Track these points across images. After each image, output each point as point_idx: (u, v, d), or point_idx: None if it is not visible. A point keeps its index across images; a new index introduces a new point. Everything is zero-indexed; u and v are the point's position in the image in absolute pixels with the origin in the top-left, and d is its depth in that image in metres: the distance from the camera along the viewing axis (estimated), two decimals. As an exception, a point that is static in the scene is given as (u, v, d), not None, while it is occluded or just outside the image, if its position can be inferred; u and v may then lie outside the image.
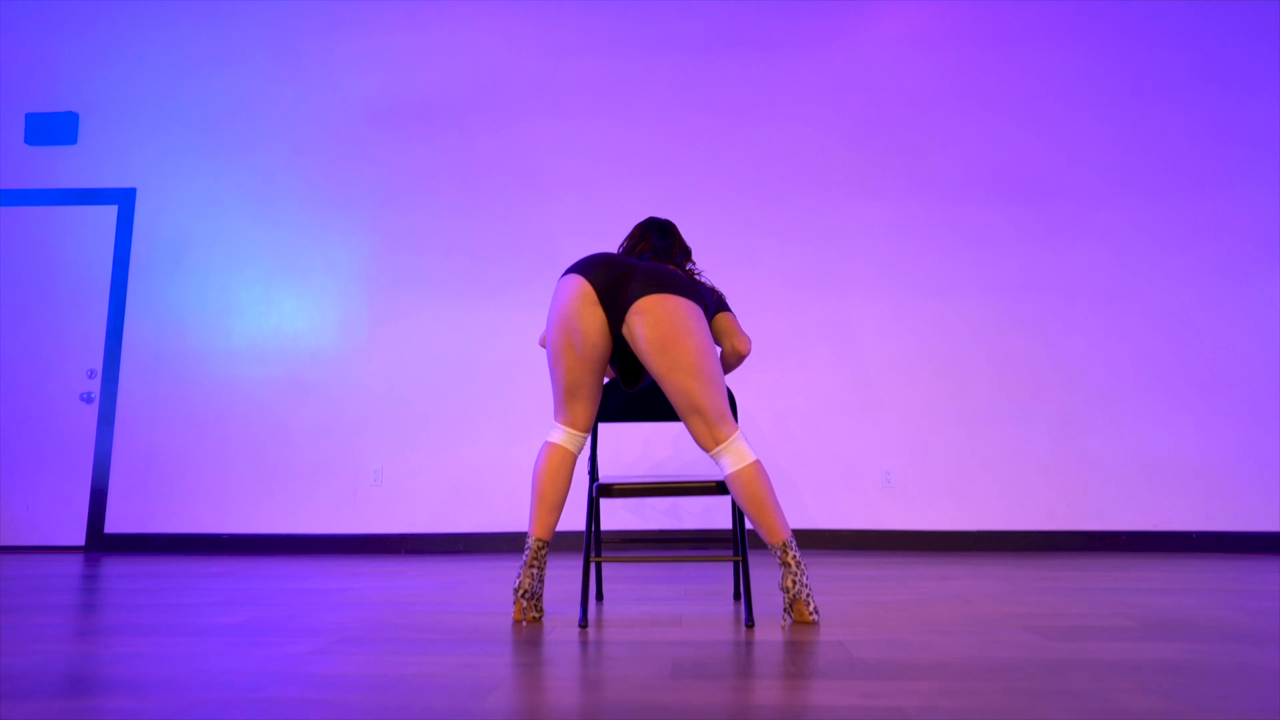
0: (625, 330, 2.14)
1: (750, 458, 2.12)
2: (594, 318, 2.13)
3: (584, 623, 2.09)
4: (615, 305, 2.13)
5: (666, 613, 2.33)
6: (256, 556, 4.25)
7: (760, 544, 4.40)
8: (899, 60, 4.81)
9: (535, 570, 2.17)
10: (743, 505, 2.12)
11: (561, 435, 2.23)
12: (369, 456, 4.61)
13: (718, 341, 2.39)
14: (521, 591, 2.15)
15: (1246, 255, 4.51)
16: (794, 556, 2.10)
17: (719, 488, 2.23)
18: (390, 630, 2.07)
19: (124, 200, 4.84)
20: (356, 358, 4.70)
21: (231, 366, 4.72)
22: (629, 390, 2.41)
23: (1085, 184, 4.64)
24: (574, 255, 4.68)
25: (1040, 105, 4.73)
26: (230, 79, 4.96)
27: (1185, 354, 4.46)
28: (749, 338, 2.53)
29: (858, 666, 1.62)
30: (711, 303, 2.34)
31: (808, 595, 2.10)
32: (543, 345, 2.38)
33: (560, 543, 4.44)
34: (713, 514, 4.45)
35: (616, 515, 4.42)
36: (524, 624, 2.13)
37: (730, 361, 2.42)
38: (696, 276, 2.44)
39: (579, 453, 2.26)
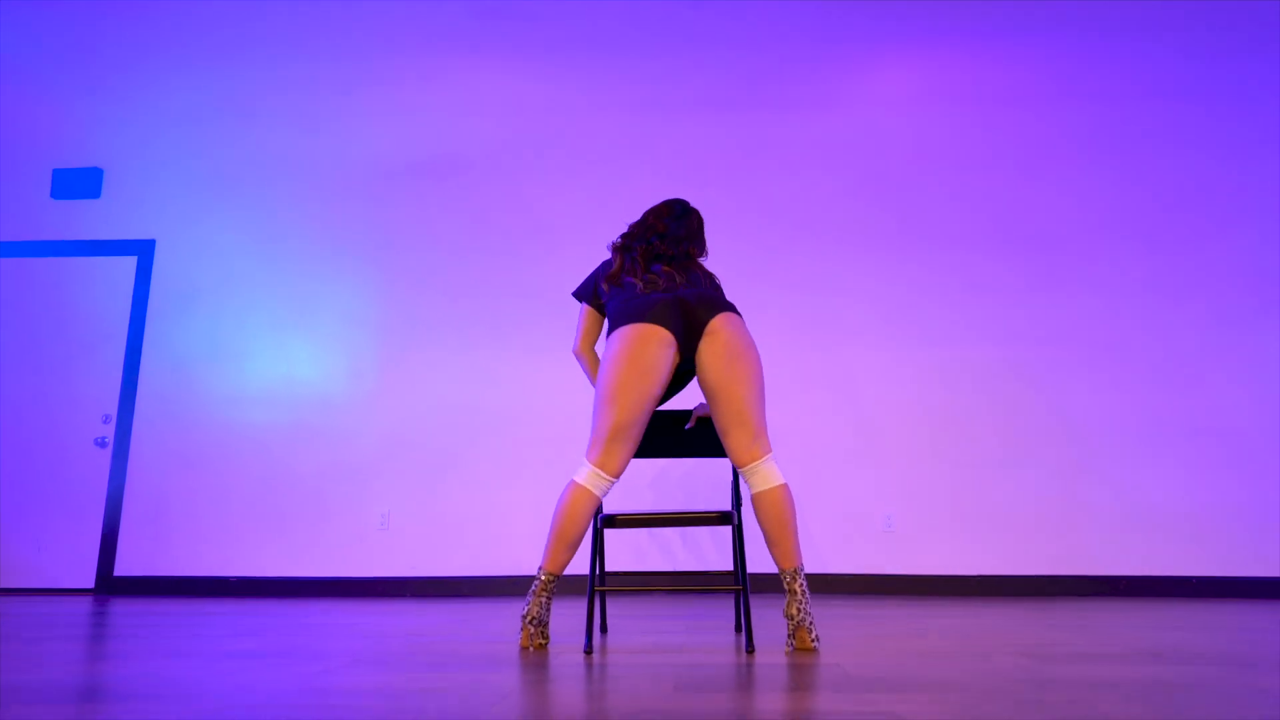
0: (697, 355, 2.27)
1: (780, 479, 2.21)
2: (668, 360, 2.25)
3: (589, 648, 2.15)
4: (690, 339, 2.26)
5: (669, 642, 2.38)
6: (263, 599, 4.28)
7: (761, 586, 4.43)
8: (896, 117, 5.01)
9: (544, 598, 2.22)
10: (765, 525, 2.19)
11: (590, 477, 2.22)
12: (376, 501, 4.67)
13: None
14: (530, 618, 2.20)
15: (1241, 305, 4.62)
16: (801, 585, 2.16)
17: (721, 518, 2.30)
18: (399, 654, 2.13)
19: (143, 251, 5.00)
20: (364, 403, 4.80)
21: (242, 412, 4.81)
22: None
23: (1082, 235, 4.78)
24: (578, 305, 4.79)
25: (1037, 159, 4.90)
26: (246, 134, 5.16)
27: (1180, 403, 4.54)
28: None
29: (854, 682, 1.68)
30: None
31: (810, 623, 2.16)
32: (586, 368, 2.50)
33: (564, 587, 4.47)
34: (711, 555, 4.48)
35: (620, 556, 4.46)
36: (530, 649, 2.19)
37: None
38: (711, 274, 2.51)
39: (602, 498, 2.27)
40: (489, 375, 4.79)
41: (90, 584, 4.62)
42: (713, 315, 2.26)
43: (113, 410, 4.82)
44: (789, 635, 2.16)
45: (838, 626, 2.77)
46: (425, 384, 4.81)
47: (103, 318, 4.95)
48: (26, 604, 3.89)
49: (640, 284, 2.34)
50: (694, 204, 4.97)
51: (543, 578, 2.22)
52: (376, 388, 4.82)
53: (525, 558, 4.52)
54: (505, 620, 3.06)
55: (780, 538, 2.17)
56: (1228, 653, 2.08)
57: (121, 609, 3.69)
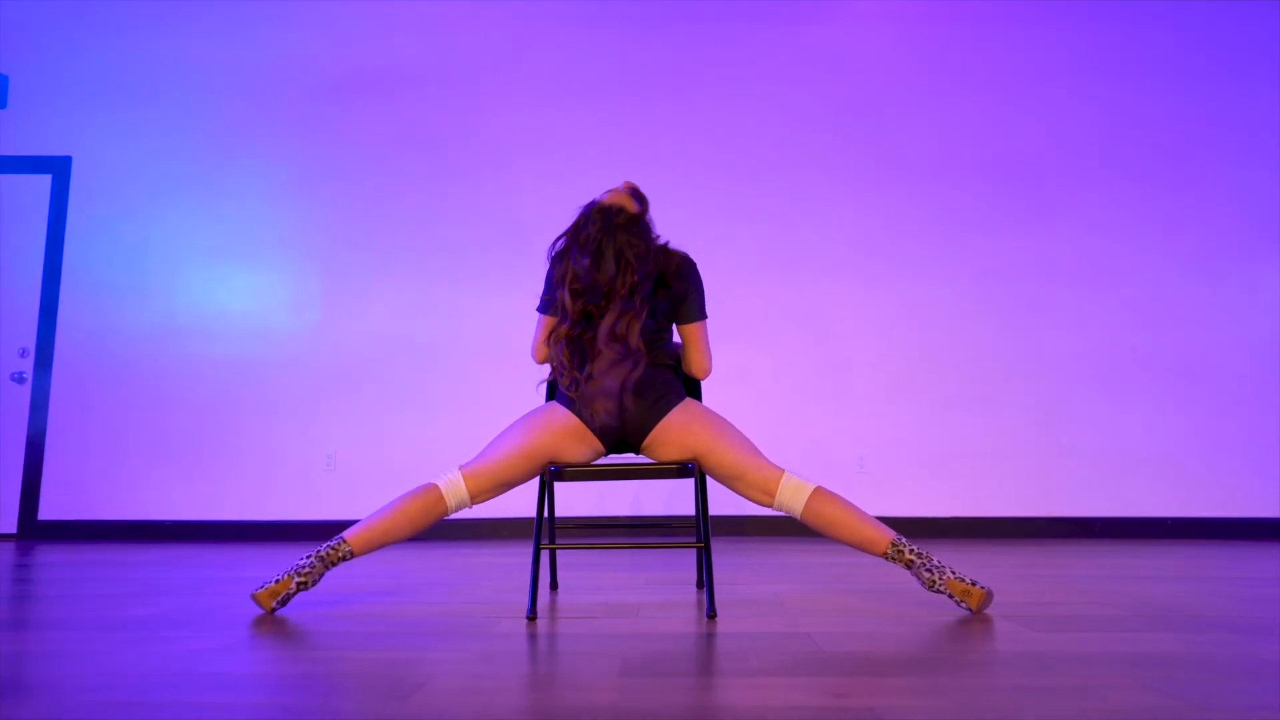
0: (645, 448, 2.08)
1: (809, 488, 1.98)
2: (587, 449, 2.06)
3: (532, 614, 1.92)
4: (623, 438, 2.07)
5: (624, 601, 2.17)
6: (200, 544, 4.03)
7: (725, 530, 4.26)
8: (873, 38, 4.66)
9: (321, 572, 1.96)
10: (833, 536, 1.99)
11: (450, 486, 2.03)
12: (322, 440, 4.40)
13: (680, 342, 2.22)
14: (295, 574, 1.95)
15: (1231, 243, 4.43)
16: (911, 552, 1.91)
17: (679, 471, 2.06)
18: (304, 627, 1.89)
19: (59, 169, 4.57)
20: (307, 337, 4.48)
21: (175, 345, 4.47)
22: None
23: (1063, 167, 4.53)
24: (539, 237, 4.45)
25: (1018, 86, 4.60)
26: (174, 43, 4.69)
27: (1163, 341, 4.37)
28: (712, 360, 2.25)
29: (827, 662, 1.46)
30: (699, 304, 2.17)
31: (956, 575, 1.90)
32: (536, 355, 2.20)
33: (516, 530, 4.26)
34: (676, 501, 4.29)
35: (577, 502, 4.25)
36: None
37: (685, 369, 2.24)
38: (661, 243, 2.23)
39: (449, 515, 2.06)
40: (439, 307, 4.49)
41: (13, 529, 4.33)
42: (659, 418, 2.02)
43: (30, 344, 4.46)
44: (958, 603, 1.91)
45: (808, 579, 2.58)
46: (372, 316, 4.49)
47: (14, 242, 4.55)
48: (-65, 552, 3.60)
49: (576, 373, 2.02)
50: (660, 131, 4.61)
51: (337, 547, 1.96)
52: (320, 320, 4.50)
53: (480, 500, 4.29)
54: (449, 572, 2.84)
55: (854, 536, 1.95)
56: (1225, 613, 1.91)
57: (41, 558, 3.42)
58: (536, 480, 2.15)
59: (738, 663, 1.46)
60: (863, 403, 4.38)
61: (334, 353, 4.47)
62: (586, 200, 2.22)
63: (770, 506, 2.02)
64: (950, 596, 1.90)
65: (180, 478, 4.37)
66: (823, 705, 1.19)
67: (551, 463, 2.05)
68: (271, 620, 1.92)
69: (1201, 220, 4.45)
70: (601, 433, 2.04)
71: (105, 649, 1.61)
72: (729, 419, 2.15)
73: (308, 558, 1.96)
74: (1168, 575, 2.67)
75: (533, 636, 1.73)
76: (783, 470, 2.00)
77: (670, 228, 4.42)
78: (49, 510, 4.33)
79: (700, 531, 2.13)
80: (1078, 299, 4.42)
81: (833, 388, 4.39)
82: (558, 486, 4.12)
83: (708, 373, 2.24)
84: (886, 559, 1.93)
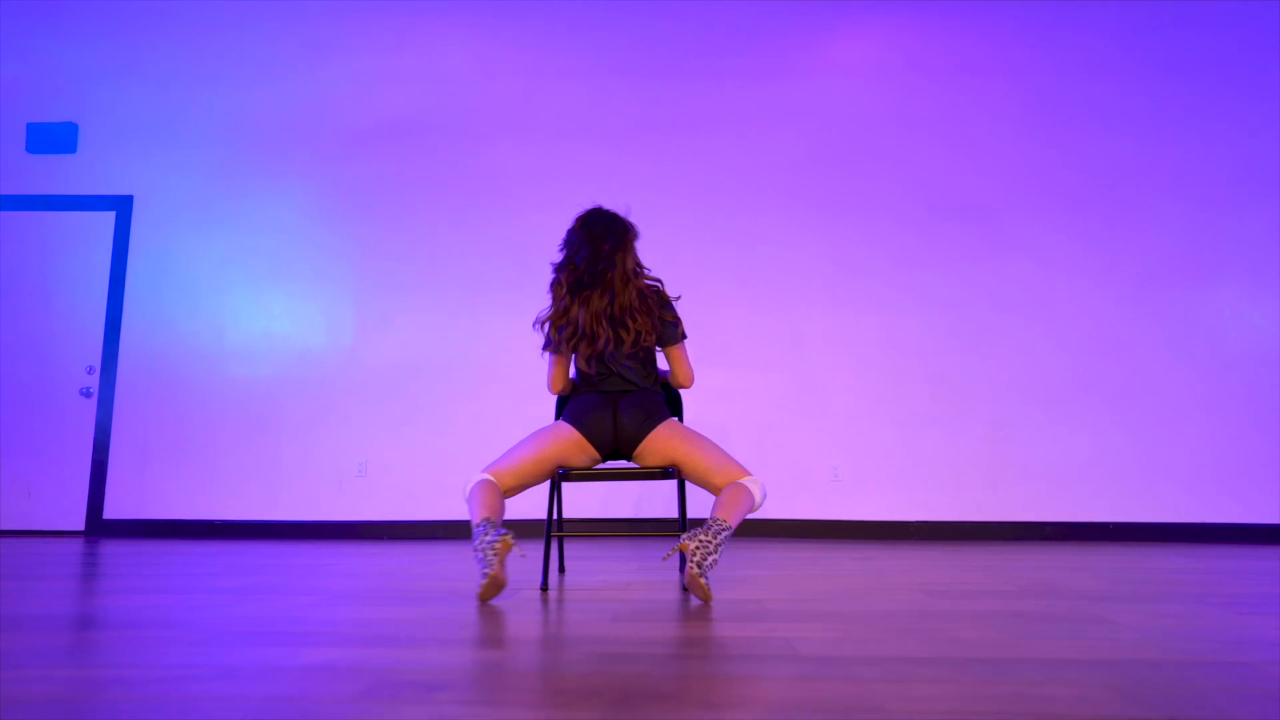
0: (635, 454, 2.57)
1: (748, 483, 2.39)
2: (587, 457, 2.56)
3: (545, 586, 2.43)
4: (616, 447, 2.56)
5: (619, 580, 2.68)
6: (247, 540, 4.55)
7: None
8: (843, 90, 5.19)
9: (492, 546, 2.17)
10: (724, 494, 2.37)
11: (488, 478, 2.44)
12: (354, 450, 4.93)
13: (665, 362, 2.75)
14: (495, 542, 2.17)
15: (1162, 275, 4.93)
16: (717, 535, 2.18)
17: (664, 474, 2.57)
18: (374, 591, 2.40)
19: (122, 206, 5.13)
20: (342, 358, 5.02)
21: (223, 366, 5.01)
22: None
23: (1012, 208, 5.04)
24: (543, 265, 4.97)
25: (972, 134, 5.12)
26: (222, 94, 5.26)
27: (1100, 366, 4.87)
28: (693, 373, 2.77)
29: (767, 614, 1.97)
30: (674, 332, 2.64)
31: (706, 562, 2.15)
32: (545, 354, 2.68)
33: (527, 530, 4.78)
34: (674, 505, 4.80)
35: (584, 504, 4.76)
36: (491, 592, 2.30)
37: (671, 385, 2.78)
38: (650, 281, 2.72)
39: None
40: (457, 332, 5.02)
41: (80, 526, 4.86)
42: (647, 431, 2.51)
43: (96, 362, 5.00)
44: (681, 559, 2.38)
45: (772, 568, 3.09)
46: (400, 340, 5.03)
47: (83, 273, 5.10)
48: (19, 544, 4.13)
49: (582, 361, 2.58)
50: (654, 169, 5.18)
51: (483, 524, 2.24)
52: (353, 343, 5.03)
53: (495, 504, 4.80)
54: (471, 562, 3.35)
55: (731, 503, 2.32)
56: (1091, 589, 2.41)
57: (112, 549, 3.95)
58: (547, 483, 2.66)
59: (699, 615, 1.98)
60: (837, 420, 4.89)
61: (364, 372, 5.00)
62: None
63: None
64: (681, 568, 2.41)
65: (229, 482, 4.90)
66: (751, 635, 1.70)
67: (559, 467, 2.56)
68: (333, 593, 2.44)
69: (1135, 254, 4.95)
70: (599, 445, 2.55)
71: (218, 604, 2.13)
72: (711, 433, 2.68)
73: (481, 561, 2.17)
74: (1072, 566, 3.17)
75: (545, 601, 2.24)
76: (747, 474, 2.45)
77: (663, 251, 4.95)
78: (113, 510, 4.86)
79: (681, 521, 2.64)
80: (1028, 326, 4.93)
81: (809, 406, 4.90)
82: (565, 488, 4.64)
83: (692, 382, 2.75)
84: (708, 522, 2.24)
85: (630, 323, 2.51)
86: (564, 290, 2.60)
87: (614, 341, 2.51)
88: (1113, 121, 5.08)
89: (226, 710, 1.16)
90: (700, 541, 2.17)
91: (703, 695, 1.26)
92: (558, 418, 2.82)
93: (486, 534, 2.19)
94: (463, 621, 1.89)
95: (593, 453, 2.55)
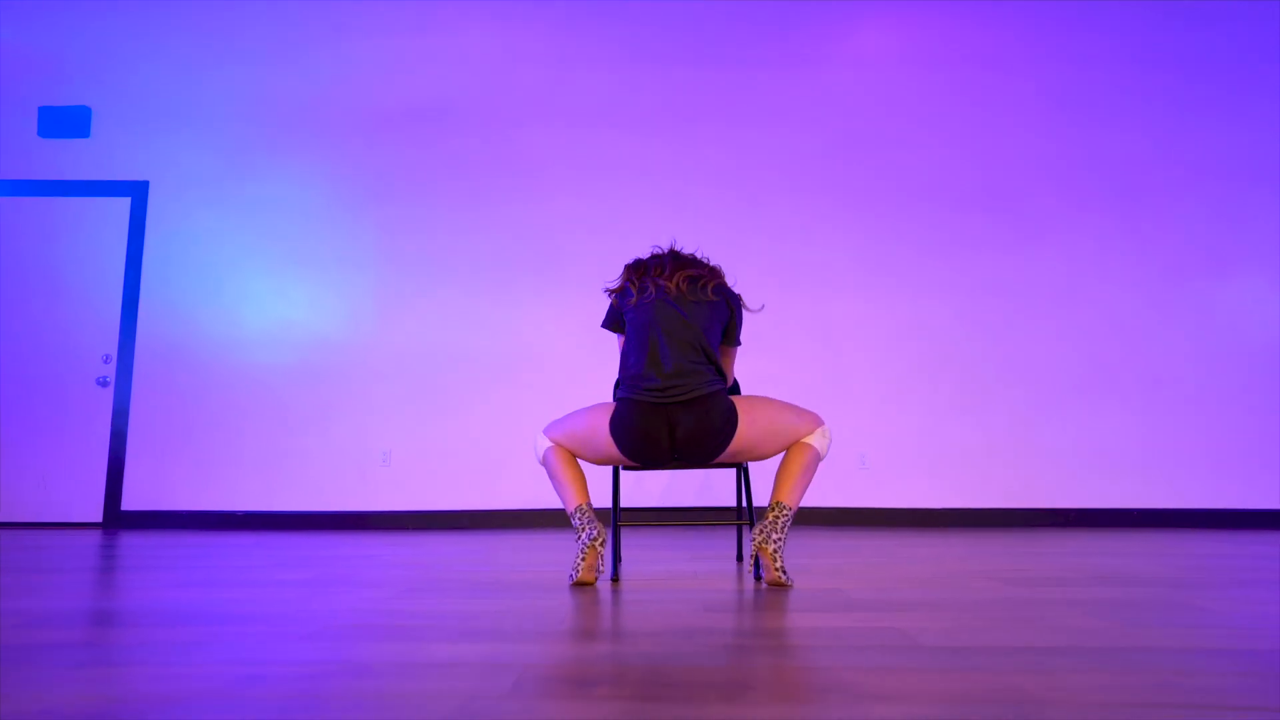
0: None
1: (813, 441, 2.26)
2: (660, 453, 2.29)
3: (615, 577, 2.41)
4: (691, 456, 2.30)
5: (681, 570, 2.66)
6: (271, 531, 4.50)
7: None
8: (873, 80, 5.17)
9: (590, 529, 2.25)
10: (785, 463, 2.26)
11: (551, 443, 2.40)
12: (377, 439, 4.87)
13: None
14: (593, 541, 2.23)
15: (1186, 264, 4.96)
16: (780, 518, 2.17)
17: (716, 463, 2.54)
18: (448, 581, 2.37)
19: (137, 192, 5.03)
20: (364, 345, 4.95)
21: (243, 354, 4.94)
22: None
23: (1039, 198, 5.06)
24: (572, 252, 4.96)
25: (999, 125, 5.12)
26: (240, 76, 5.16)
27: (1129, 353, 4.90)
28: (733, 378, 2.70)
29: (856, 604, 1.96)
30: (738, 329, 2.51)
31: (780, 558, 2.18)
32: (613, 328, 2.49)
33: (556, 520, 4.75)
34: (716, 493, 4.78)
35: (647, 493, 4.74)
36: (587, 579, 2.27)
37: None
38: (728, 285, 2.53)
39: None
40: (485, 318, 4.97)
41: (99, 518, 4.79)
42: (723, 445, 2.24)
43: (113, 350, 4.91)
44: (753, 562, 2.26)
45: (825, 554, 3.08)
46: (423, 326, 4.97)
47: (98, 259, 5.00)
48: (38, 536, 4.06)
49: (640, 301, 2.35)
50: (684, 156, 5.15)
51: (577, 513, 2.29)
52: (375, 330, 4.97)
53: (521, 492, 4.78)
54: (519, 551, 3.32)
55: (793, 476, 2.23)
56: (1164, 577, 2.42)
57: (134, 541, 3.88)
58: (609, 471, 2.63)
59: (791, 605, 1.96)
60: (864, 406, 4.89)
61: (387, 360, 4.95)
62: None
63: None
64: (756, 562, 2.24)
65: (249, 472, 4.84)
66: (862, 626, 1.69)
67: (616, 457, 2.35)
68: (410, 583, 2.40)
69: (1161, 243, 4.98)
70: (655, 432, 2.26)
71: (283, 598, 2.09)
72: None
73: (581, 552, 2.24)
74: (1120, 551, 3.19)
75: (623, 592, 2.22)
76: (809, 426, 2.27)
77: (694, 240, 4.93)
78: (130, 501, 4.79)
79: (740, 511, 2.62)
80: (1055, 314, 4.95)
81: (837, 392, 4.90)
82: (627, 474, 4.60)
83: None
84: (773, 510, 2.20)
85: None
86: None
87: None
88: (1138, 113, 5.09)
89: (394, 709, 1.13)
90: (774, 541, 2.17)
91: (862, 687, 1.24)
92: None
93: (583, 529, 2.26)
94: (559, 614, 1.87)
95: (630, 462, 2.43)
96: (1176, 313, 4.92)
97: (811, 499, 4.79)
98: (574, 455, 2.40)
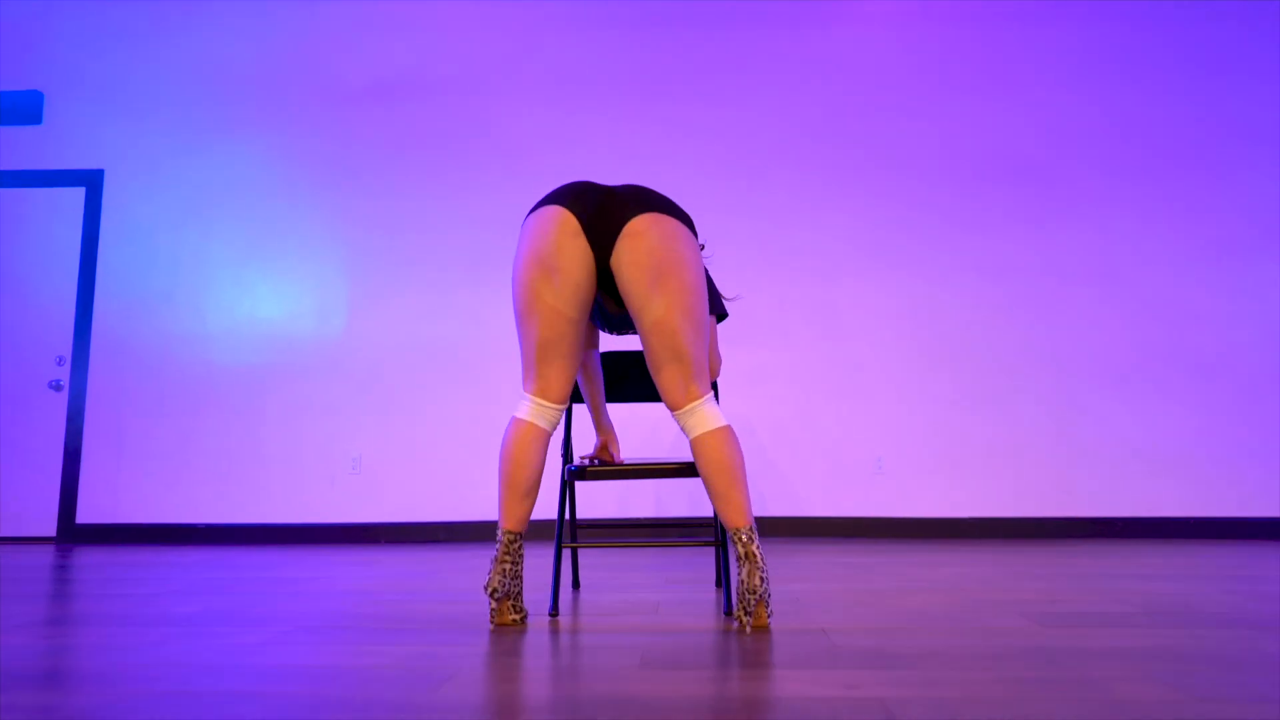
0: (613, 260, 1.85)
1: (721, 421, 1.86)
2: (578, 250, 1.83)
3: (554, 610, 1.98)
4: (603, 233, 1.84)
5: (644, 600, 2.23)
6: (231, 546, 4.13)
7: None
8: (882, 40, 4.69)
9: (508, 565, 1.85)
10: (708, 476, 1.83)
11: (531, 409, 1.90)
12: (347, 444, 4.49)
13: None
14: (491, 590, 1.85)
15: (1243, 238, 4.41)
16: (758, 546, 1.78)
17: (688, 468, 2.11)
18: (349, 618, 1.96)
19: (92, 182, 4.70)
20: (334, 343, 4.58)
21: (204, 352, 4.59)
22: (611, 333, 2.25)
23: (1072, 167, 4.54)
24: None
25: (1025, 88, 4.61)
26: (199, 59, 4.81)
27: (1180, 339, 4.36)
28: (720, 360, 2.31)
29: (840, 656, 1.51)
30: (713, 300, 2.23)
31: (768, 595, 1.90)
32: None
33: (540, 531, 4.33)
34: (699, 502, 4.34)
35: (598, 502, 4.31)
36: (501, 627, 1.88)
37: None
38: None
39: (552, 430, 1.95)
40: (463, 314, 4.57)
41: (52, 532, 4.46)
42: (637, 213, 1.84)
43: (67, 352, 4.58)
44: (742, 609, 1.77)
45: (826, 578, 2.63)
46: (398, 322, 4.58)
47: (50, 255, 4.68)
48: (-21, 555, 3.72)
49: None
50: (673, 132, 4.70)
51: (503, 539, 1.87)
52: (346, 326, 4.59)
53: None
54: (474, 573, 2.91)
55: (728, 490, 1.81)
56: (1245, 612, 1.94)
57: (80, 560, 3.53)
58: (557, 483, 2.20)
59: (755, 657, 1.52)
60: (879, 403, 4.41)
61: (359, 357, 4.56)
62: None
63: (677, 411, 1.88)
64: (746, 609, 1.77)
65: (211, 482, 4.48)
66: (835, 696, 1.24)
67: (552, 279, 1.85)
68: (305, 618, 1.99)
69: (1208, 220, 4.44)
70: (573, 203, 1.86)
71: (150, 642, 1.69)
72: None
73: (490, 572, 1.93)
74: (1180, 574, 2.69)
75: (555, 632, 1.79)
76: (710, 392, 1.90)
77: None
78: (86, 514, 4.45)
79: (718, 530, 2.18)
80: (1092, 296, 4.42)
81: (849, 388, 4.42)
82: (579, 487, 4.19)
83: (718, 371, 2.32)
84: (734, 536, 1.79)
85: None
86: None
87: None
88: (1183, 71, 4.55)
89: None
90: (765, 583, 1.77)
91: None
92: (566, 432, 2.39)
93: (497, 571, 1.87)
94: (449, 668, 1.44)
95: (580, 233, 1.85)
96: (1231, 293, 4.37)
97: (821, 507, 4.31)
98: (561, 399, 1.92)
